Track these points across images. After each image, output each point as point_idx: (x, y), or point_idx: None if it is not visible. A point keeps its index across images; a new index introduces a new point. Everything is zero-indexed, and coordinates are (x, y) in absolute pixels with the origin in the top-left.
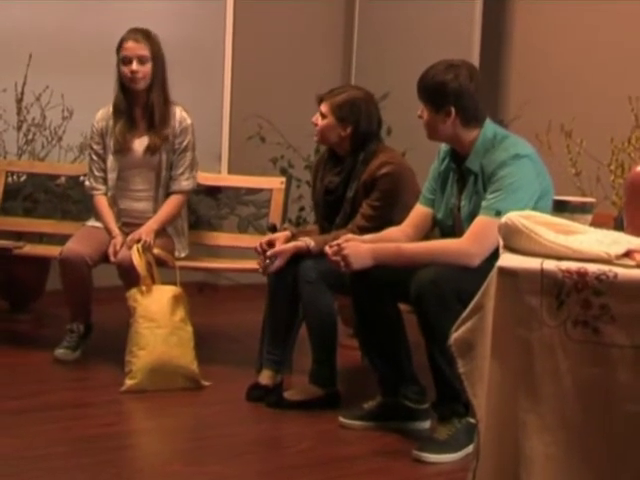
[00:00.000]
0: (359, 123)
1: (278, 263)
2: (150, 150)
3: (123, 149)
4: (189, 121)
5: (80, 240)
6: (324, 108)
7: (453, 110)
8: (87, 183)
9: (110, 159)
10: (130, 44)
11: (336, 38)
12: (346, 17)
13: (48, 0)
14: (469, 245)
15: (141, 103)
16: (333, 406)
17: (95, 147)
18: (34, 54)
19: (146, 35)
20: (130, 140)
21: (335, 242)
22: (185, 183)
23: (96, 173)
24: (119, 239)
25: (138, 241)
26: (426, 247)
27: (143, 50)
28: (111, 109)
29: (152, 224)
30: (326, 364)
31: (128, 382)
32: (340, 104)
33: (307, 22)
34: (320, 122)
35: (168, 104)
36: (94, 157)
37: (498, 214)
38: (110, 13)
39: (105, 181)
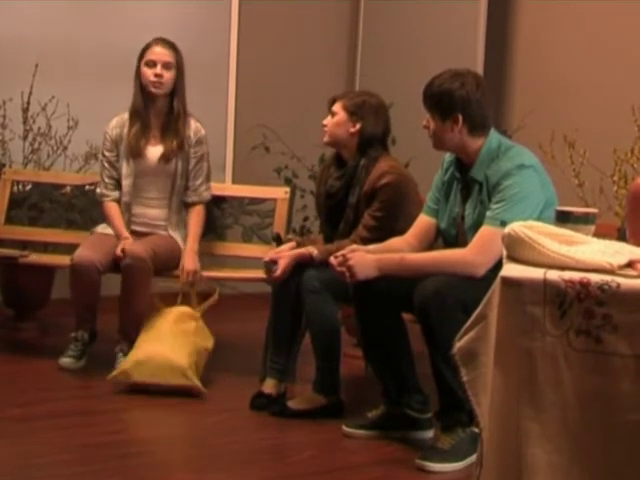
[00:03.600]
0: (367, 121)
1: (282, 263)
2: (165, 158)
3: (135, 154)
4: (203, 132)
5: (91, 246)
6: (336, 107)
7: (461, 118)
8: (97, 190)
9: (124, 166)
10: (158, 49)
11: (340, 48)
12: (350, 27)
13: (54, 10)
14: (474, 255)
15: (157, 110)
16: (337, 415)
17: (107, 154)
18: (40, 64)
19: (172, 45)
20: (144, 146)
21: (340, 253)
22: (205, 194)
23: (106, 180)
24: (130, 241)
25: (192, 280)
26: (430, 257)
27: (169, 57)
28: (126, 116)
29: (192, 246)
30: (330, 373)
31: (114, 372)
32: (352, 102)
33: (311, 32)
34: (330, 121)
35: (187, 114)
36: (105, 164)
37: (503, 224)
38: (116, 24)
39: (116, 188)
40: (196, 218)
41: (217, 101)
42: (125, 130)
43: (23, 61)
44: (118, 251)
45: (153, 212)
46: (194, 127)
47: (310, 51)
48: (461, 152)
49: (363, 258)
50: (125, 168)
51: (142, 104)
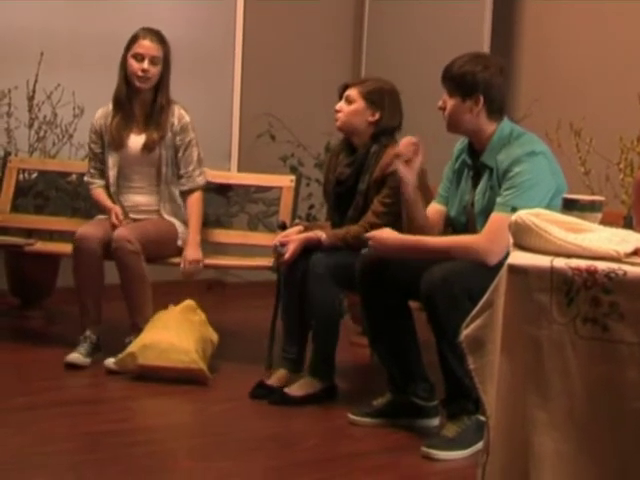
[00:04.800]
0: (387, 111)
1: (291, 248)
2: (147, 148)
3: (118, 144)
4: (188, 118)
5: (91, 225)
6: (353, 93)
7: (482, 99)
8: (85, 178)
9: (109, 157)
10: (146, 43)
11: (346, 36)
12: (355, 15)
13: None
14: (485, 243)
15: (141, 101)
16: (331, 399)
17: (92, 146)
18: (45, 52)
19: (160, 38)
20: (126, 136)
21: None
22: (199, 179)
23: (92, 171)
24: (118, 209)
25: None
26: (445, 242)
27: (157, 51)
28: (110, 106)
29: (194, 238)
30: (327, 358)
31: (120, 356)
32: (370, 89)
33: (316, 21)
34: (346, 107)
35: (170, 105)
36: (91, 154)
37: (514, 211)
38: (121, 12)
39: (101, 177)
40: (195, 209)
41: (223, 89)
42: (109, 121)
43: (28, 50)
44: (113, 218)
45: (143, 199)
46: (178, 114)
47: (316, 40)
48: (475, 136)
49: (391, 233)
50: (110, 159)
51: (125, 94)
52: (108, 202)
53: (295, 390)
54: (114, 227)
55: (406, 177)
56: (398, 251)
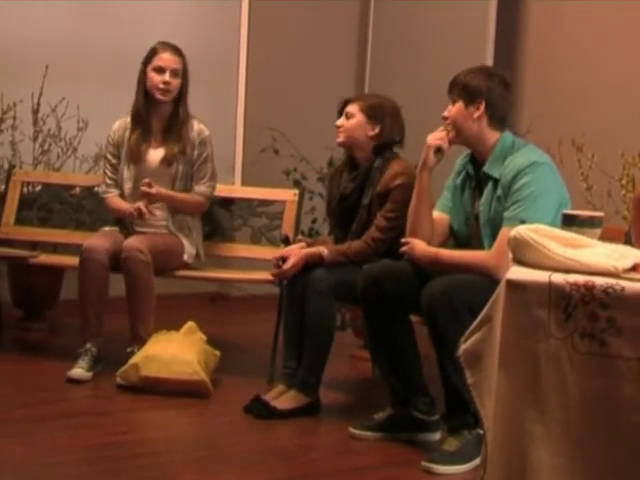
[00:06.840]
0: (386, 124)
1: (292, 260)
2: (166, 161)
3: (136, 159)
4: (207, 132)
5: (99, 237)
6: (352, 108)
7: (484, 105)
8: (100, 189)
9: (125, 170)
10: (167, 56)
11: (349, 50)
12: (359, 29)
13: (64, 12)
14: (496, 259)
15: (160, 114)
16: (315, 413)
17: (109, 157)
18: (50, 66)
19: (179, 50)
20: (145, 150)
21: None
22: (204, 188)
23: (108, 181)
24: (139, 203)
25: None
26: (457, 257)
27: (177, 64)
28: (129, 119)
29: (164, 191)
30: (316, 373)
31: (123, 368)
32: (369, 104)
33: (320, 36)
34: (346, 123)
35: (189, 118)
36: (108, 166)
37: (523, 223)
38: (126, 26)
39: (116, 187)
40: (189, 195)
41: (227, 103)
42: (127, 134)
43: (33, 63)
44: (142, 207)
45: (154, 212)
46: (197, 129)
47: (319, 53)
48: (477, 144)
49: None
50: (126, 172)
51: (145, 108)
52: (125, 205)
53: (282, 403)
54: (137, 213)
55: (429, 159)
56: (420, 261)
